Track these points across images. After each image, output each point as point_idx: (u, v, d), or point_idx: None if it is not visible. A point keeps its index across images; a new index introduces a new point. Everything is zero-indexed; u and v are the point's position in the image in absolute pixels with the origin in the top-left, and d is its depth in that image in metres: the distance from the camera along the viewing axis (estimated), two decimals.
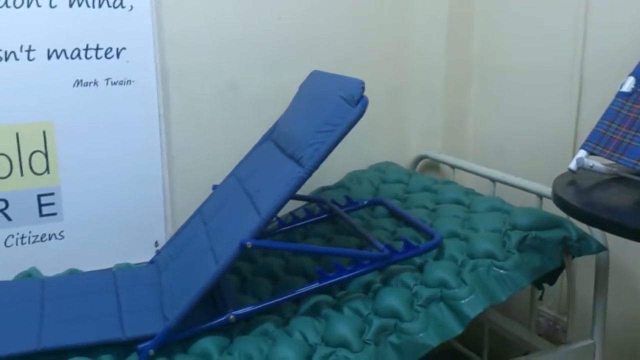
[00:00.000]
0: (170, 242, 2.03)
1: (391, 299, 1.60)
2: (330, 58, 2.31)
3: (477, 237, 1.75)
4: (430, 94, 2.48)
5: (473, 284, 1.62)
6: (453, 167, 2.36)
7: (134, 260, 2.08)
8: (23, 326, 1.55)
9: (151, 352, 1.48)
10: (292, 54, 2.28)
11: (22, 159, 1.93)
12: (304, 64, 2.16)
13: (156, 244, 2.18)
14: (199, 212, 2.02)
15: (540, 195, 1.94)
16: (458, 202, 2.03)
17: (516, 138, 2.31)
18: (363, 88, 1.61)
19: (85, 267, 2.01)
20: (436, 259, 1.73)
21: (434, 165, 2.55)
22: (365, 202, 2.15)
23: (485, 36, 2.41)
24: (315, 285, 1.64)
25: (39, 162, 1.96)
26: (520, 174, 2.06)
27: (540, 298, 1.95)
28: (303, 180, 1.58)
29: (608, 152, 1.49)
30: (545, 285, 1.89)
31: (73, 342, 1.48)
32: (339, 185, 2.34)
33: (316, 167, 1.59)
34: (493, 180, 2.14)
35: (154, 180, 2.15)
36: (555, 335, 2.17)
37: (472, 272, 1.65)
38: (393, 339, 1.55)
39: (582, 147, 1.53)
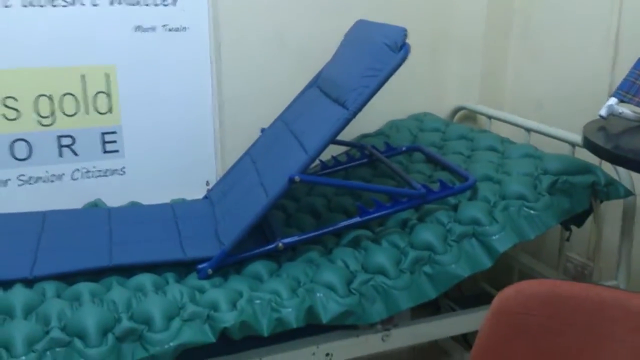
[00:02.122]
0: (221, 179, 2.19)
1: (426, 233, 1.74)
2: (373, 8, 2.39)
3: (509, 180, 1.86)
4: (469, 45, 2.55)
5: (504, 222, 1.74)
6: (490, 117, 2.44)
7: (187, 197, 2.25)
8: (95, 246, 1.74)
9: (209, 271, 1.65)
10: (337, 5, 2.37)
11: (88, 99, 2.10)
12: (349, 14, 2.25)
13: (207, 183, 2.35)
14: (248, 152, 2.16)
15: (573, 144, 2.03)
16: (493, 149, 2.13)
17: (553, 89, 2.38)
18: (405, 35, 1.71)
19: (144, 201, 2.19)
20: (470, 199, 1.84)
21: (471, 116, 2.64)
22: (404, 149, 2.26)
23: None
24: (356, 219, 1.78)
25: (102, 102, 2.12)
26: (555, 125, 2.14)
27: (568, 239, 2.05)
28: (347, 122, 1.70)
29: (637, 99, 1.57)
30: (574, 234, 1.99)
31: (141, 260, 1.67)
32: (379, 133, 2.46)
33: (360, 109, 1.71)
34: (528, 130, 2.22)
35: (205, 123, 2.30)
36: (582, 280, 2.27)
37: (503, 211, 1.77)
38: (427, 268, 1.69)
39: (613, 95, 1.61)
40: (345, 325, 1.64)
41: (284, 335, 1.59)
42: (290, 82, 2.28)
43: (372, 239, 1.80)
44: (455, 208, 1.82)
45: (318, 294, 1.59)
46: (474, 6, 2.51)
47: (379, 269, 1.67)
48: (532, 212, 1.76)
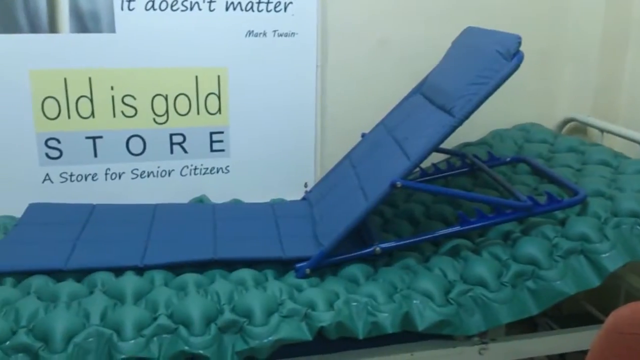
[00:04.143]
0: (320, 182, 2.22)
1: (531, 247, 1.68)
2: (481, 16, 2.35)
3: (622, 196, 1.76)
4: (584, 55, 2.44)
5: (615, 240, 1.65)
6: (602, 130, 2.32)
7: (286, 197, 2.30)
8: (200, 239, 1.82)
9: (307, 270, 1.67)
10: (443, 11, 2.35)
11: (199, 100, 2.20)
12: (455, 21, 2.22)
13: (305, 184, 2.39)
14: (347, 157, 2.18)
15: None
16: (606, 163, 2.03)
17: None
18: (519, 43, 1.66)
19: (245, 199, 2.26)
20: (579, 214, 1.76)
21: (580, 128, 2.52)
22: (508, 159, 2.20)
23: None
24: (457, 228, 1.75)
25: (212, 103, 2.22)
26: None
27: None
28: (453, 129, 1.68)
29: None
30: None
31: (243, 256, 1.72)
32: (481, 142, 2.40)
33: (467, 117, 1.68)
34: None
35: (307, 126, 2.35)
36: None
37: (615, 229, 1.67)
38: (530, 283, 1.64)
39: None
40: (440, 335, 1.61)
41: (377, 340, 1.58)
42: (393, 88, 2.28)
43: (472, 249, 1.77)
44: (562, 223, 1.75)
45: (415, 301, 1.58)
46: (590, 15, 2.40)
47: (478, 281, 1.63)
48: None
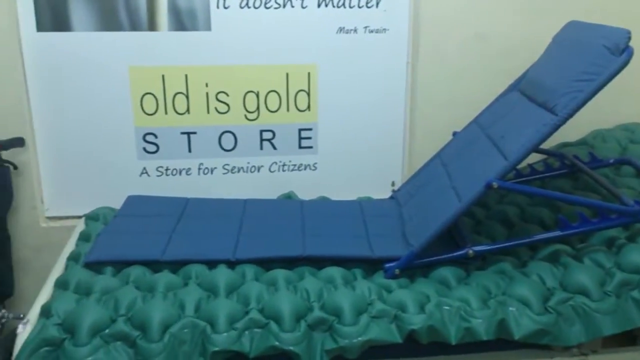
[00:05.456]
0: (409, 181, 2.18)
1: (638, 255, 1.57)
2: (583, 9, 2.22)
3: None
4: None
5: None
6: None
7: (372, 196, 2.27)
8: (290, 235, 1.82)
9: (397, 271, 1.65)
10: (543, 5, 2.24)
11: (289, 96, 2.21)
12: (556, 15, 2.12)
13: (393, 183, 2.36)
14: (438, 155, 2.13)
15: None
16: None
17: None
18: (629, 37, 1.56)
19: (332, 196, 2.26)
20: None
21: None
22: (611, 161, 2.07)
23: None
24: (556, 233, 1.66)
25: (302, 100, 2.22)
26: None
27: None
28: (556, 128, 1.60)
29: None
30: None
31: (331, 253, 1.71)
32: (582, 143, 2.28)
33: (571, 115, 1.59)
34: None
35: (396, 124, 2.31)
36: None
37: None
38: (636, 294, 1.53)
39: None
40: (536, 345, 1.54)
41: (469, 347, 1.53)
42: (488, 85, 2.20)
43: (572, 255, 1.68)
44: None
45: (510, 308, 1.51)
46: None
47: (580, 289, 1.54)
48: None
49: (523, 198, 2.03)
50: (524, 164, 2.13)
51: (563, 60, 1.75)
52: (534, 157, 2.19)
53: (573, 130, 2.29)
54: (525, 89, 1.91)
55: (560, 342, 1.52)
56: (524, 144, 1.62)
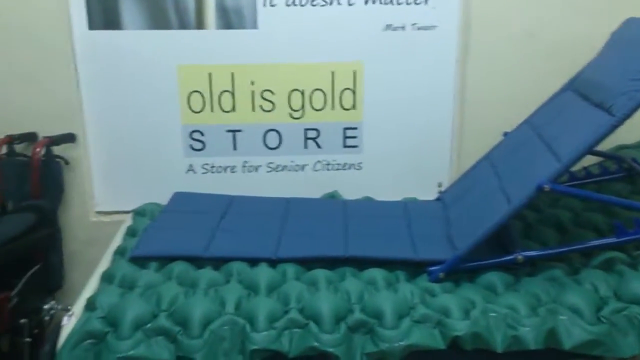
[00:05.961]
0: (456, 182, 2.12)
1: None
2: (638, 6, 2.12)
3: None
4: None
5: None
6: None
7: (418, 197, 2.23)
8: (332, 235, 1.80)
9: (441, 275, 1.60)
10: (598, 2, 2.15)
11: (335, 95, 2.19)
12: (612, 12, 2.02)
13: (439, 184, 2.31)
14: (487, 157, 2.06)
15: None
16: None
17: None
18: None
19: (377, 196, 2.22)
20: None
21: None
22: None
23: None
24: (612, 240, 1.59)
25: (347, 99, 2.20)
26: None
27: None
28: (612, 129, 1.52)
29: None
30: None
31: (373, 255, 1.68)
32: None
33: (628, 116, 1.51)
34: None
35: (444, 124, 2.26)
36: None
37: None
38: None
39: None
40: (588, 356, 1.46)
41: (517, 355, 1.47)
42: (540, 85, 2.12)
43: (628, 263, 1.59)
44: None
45: (561, 317, 1.45)
46: None
47: (635, 299, 1.47)
48: None
49: (577, 202, 1.95)
50: (578, 166, 2.04)
51: (621, 59, 1.67)
52: (590, 160, 2.11)
53: (631, 132, 2.18)
54: (581, 89, 1.83)
55: (614, 354, 1.44)
56: (578, 145, 1.54)
